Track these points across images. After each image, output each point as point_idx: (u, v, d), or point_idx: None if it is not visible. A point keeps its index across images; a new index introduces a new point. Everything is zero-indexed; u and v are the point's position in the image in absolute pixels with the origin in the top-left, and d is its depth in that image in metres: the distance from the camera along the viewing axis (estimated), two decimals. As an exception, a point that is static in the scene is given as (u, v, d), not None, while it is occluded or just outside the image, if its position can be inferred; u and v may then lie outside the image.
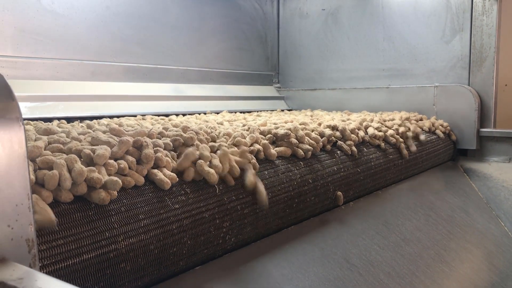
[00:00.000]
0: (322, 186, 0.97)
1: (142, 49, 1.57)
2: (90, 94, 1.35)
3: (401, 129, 1.32)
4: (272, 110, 1.92)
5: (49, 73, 1.31)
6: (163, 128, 0.83)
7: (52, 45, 1.33)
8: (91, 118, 1.28)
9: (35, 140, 0.64)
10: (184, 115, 1.50)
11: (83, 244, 0.52)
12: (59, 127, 0.97)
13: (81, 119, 1.26)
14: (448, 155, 1.61)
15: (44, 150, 0.57)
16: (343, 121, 1.23)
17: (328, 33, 2.00)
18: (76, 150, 0.58)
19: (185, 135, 0.73)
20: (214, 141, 0.81)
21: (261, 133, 0.92)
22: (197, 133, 0.78)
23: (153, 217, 0.61)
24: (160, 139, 0.72)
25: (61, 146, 0.59)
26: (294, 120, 1.20)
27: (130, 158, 0.61)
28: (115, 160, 0.59)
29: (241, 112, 1.74)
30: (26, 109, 1.18)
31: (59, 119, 1.18)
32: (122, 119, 1.13)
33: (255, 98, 1.94)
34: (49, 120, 1.17)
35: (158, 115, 1.44)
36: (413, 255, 1.02)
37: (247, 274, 0.77)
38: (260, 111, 1.85)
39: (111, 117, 1.31)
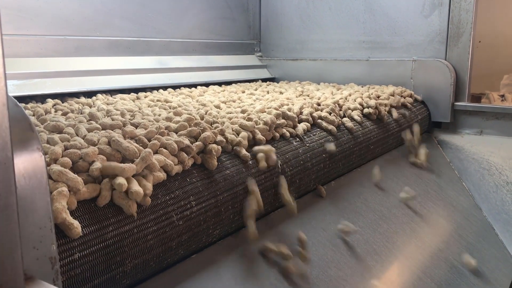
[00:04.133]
0: (306, 183, 1.04)
1: (125, 22, 1.56)
2: (76, 70, 1.35)
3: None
4: (256, 80, 1.95)
5: (33, 50, 1.31)
6: (166, 118, 0.86)
7: (35, 21, 1.31)
8: (79, 93, 1.29)
9: (48, 142, 0.66)
10: (174, 88, 1.53)
11: (97, 271, 0.58)
12: (56, 109, 1.00)
13: (69, 95, 1.27)
14: (423, 127, 1.68)
15: (62, 157, 0.60)
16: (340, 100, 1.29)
17: (310, 3, 2.00)
18: (106, 169, 0.61)
19: (198, 141, 0.76)
20: (223, 135, 0.85)
21: (265, 123, 0.96)
22: (204, 128, 0.82)
23: (159, 236, 0.66)
24: (168, 134, 0.76)
25: (79, 152, 0.61)
26: (288, 101, 1.23)
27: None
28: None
29: (227, 84, 1.77)
30: (14, 87, 1.18)
31: (47, 96, 1.19)
32: (118, 102, 1.14)
33: (239, 68, 1.96)
34: (40, 97, 1.19)
35: (145, 89, 1.47)
36: (390, 232, 1.10)
37: (236, 260, 0.83)
38: (244, 81, 1.88)
39: (98, 92, 1.32)
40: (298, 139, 1.05)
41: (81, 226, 0.56)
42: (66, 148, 0.62)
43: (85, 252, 0.56)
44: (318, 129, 1.14)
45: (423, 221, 1.21)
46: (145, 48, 1.63)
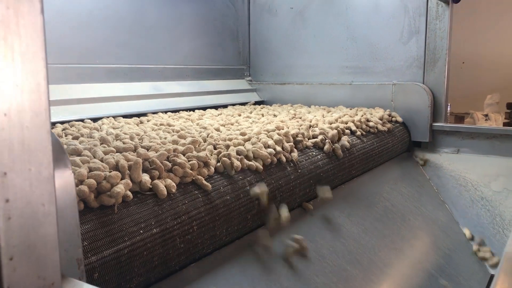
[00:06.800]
0: (291, 205, 1.13)
1: (123, 50, 1.66)
2: (77, 98, 1.43)
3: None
4: (246, 103, 2.06)
5: (38, 78, 1.39)
6: (173, 141, 0.95)
7: (40, 51, 1.40)
8: (81, 120, 1.37)
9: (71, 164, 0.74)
10: (174, 112, 1.63)
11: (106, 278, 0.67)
12: (65, 133, 1.08)
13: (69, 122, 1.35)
14: (404, 147, 1.79)
15: (87, 178, 0.68)
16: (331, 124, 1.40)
17: (296, 31, 2.13)
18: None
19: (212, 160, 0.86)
20: (229, 158, 0.93)
21: (265, 145, 1.06)
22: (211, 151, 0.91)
23: (163, 258, 0.75)
24: (177, 156, 0.84)
25: (102, 174, 0.69)
26: (283, 124, 1.32)
27: None
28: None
29: (218, 107, 1.86)
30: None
31: (52, 123, 1.27)
32: (125, 126, 1.23)
33: (230, 92, 2.06)
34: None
35: (144, 114, 1.56)
36: (372, 244, 1.19)
37: (231, 269, 0.91)
38: (235, 104, 1.98)
39: (98, 118, 1.40)
40: (292, 164, 1.13)
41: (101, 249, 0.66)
42: (90, 170, 0.71)
43: (103, 272, 0.65)
44: (310, 153, 1.23)
45: (403, 233, 1.31)
46: (141, 75, 1.73)
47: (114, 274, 0.67)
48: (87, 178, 0.68)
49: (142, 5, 1.73)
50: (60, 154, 0.54)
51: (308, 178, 1.17)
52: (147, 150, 0.85)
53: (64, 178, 0.53)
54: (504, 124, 4.22)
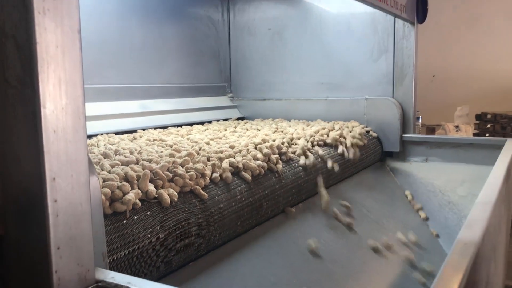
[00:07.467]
0: (274, 211, 1.24)
1: (112, 71, 1.76)
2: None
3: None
4: (229, 119, 2.17)
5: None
6: (169, 154, 1.05)
7: (37, 73, 1.49)
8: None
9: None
10: (162, 128, 1.73)
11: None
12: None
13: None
14: (377, 157, 1.92)
15: (102, 188, 0.78)
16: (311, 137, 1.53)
17: (274, 50, 2.26)
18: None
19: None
20: (223, 170, 1.04)
21: (254, 157, 1.17)
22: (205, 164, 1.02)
23: (166, 259, 0.86)
24: (177, 167, 0.94)
25: (115, 184, 0.79)
26: (269, 138, 1.42)
27: None
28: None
29: (207, 122, 1.97)
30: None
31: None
32: (121, 142, 1.31)
33: (212, 109, 2.18)
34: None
35: (134, 131, 1.65)
36: (351, 245, 1.31)
37: (223, 268, 1.01)
38: (219, 120, 2.10)
39: (92, 136, 1.49)
40: (277, 175, 1.24)
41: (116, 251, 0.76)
42: (103, 180, 0.80)
43: (117, 271, 0.75)
44: (292, 165, 1.34)
45: (378, 235, 1.43)
46: (129, 94, 1.83)
47: (125, 274, 0.77)
48: (102, 188, 0.78)
49: (129, 28, 1.84)
50: (89, 164, 0.64)
51: (290, 188, 1.28)
52: (149, 162, 0.96)
53: (93, 184, 0.64)
54: (474, 135, 4.43)
